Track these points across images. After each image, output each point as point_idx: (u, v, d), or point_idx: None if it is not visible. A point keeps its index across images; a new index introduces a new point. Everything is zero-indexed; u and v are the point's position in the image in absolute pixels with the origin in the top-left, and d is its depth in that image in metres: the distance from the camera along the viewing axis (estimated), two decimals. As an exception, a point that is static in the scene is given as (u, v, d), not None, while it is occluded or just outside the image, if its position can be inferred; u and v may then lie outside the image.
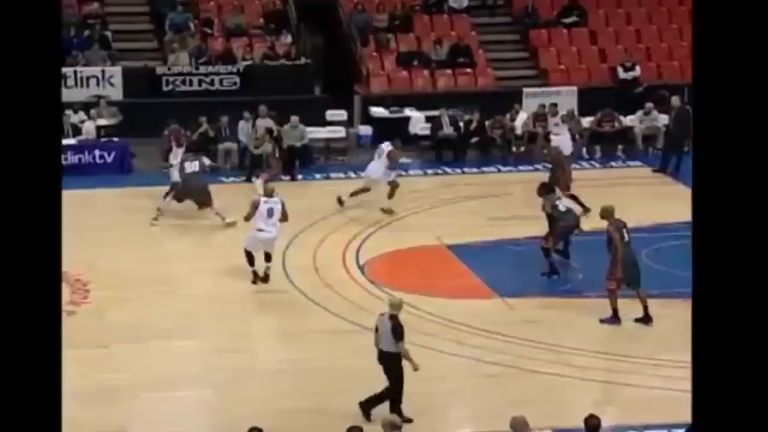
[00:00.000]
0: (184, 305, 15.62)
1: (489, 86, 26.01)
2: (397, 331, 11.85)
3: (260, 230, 16.09)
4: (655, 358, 12.75)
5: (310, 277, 16.81)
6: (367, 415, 11.98)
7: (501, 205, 20.15)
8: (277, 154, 21.23)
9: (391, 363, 11.98)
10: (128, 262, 17.25)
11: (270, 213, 16.10)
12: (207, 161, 19.71)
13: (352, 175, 22.68)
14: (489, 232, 18.50)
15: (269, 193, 16.45)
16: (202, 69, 24.80)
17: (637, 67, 25.77)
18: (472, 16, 27.56)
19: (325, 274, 16.94)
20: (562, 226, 16.61)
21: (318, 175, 22.54)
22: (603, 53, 26.92)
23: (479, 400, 13.11)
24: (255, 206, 16.30)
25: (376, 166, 19.71)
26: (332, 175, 22.57)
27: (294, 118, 22.94)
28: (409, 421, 11.73)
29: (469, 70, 26.09)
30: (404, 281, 16.48)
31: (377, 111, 24.90)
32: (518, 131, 23.81)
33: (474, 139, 23.43)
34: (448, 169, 22.39)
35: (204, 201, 19.01)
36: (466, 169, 22.56)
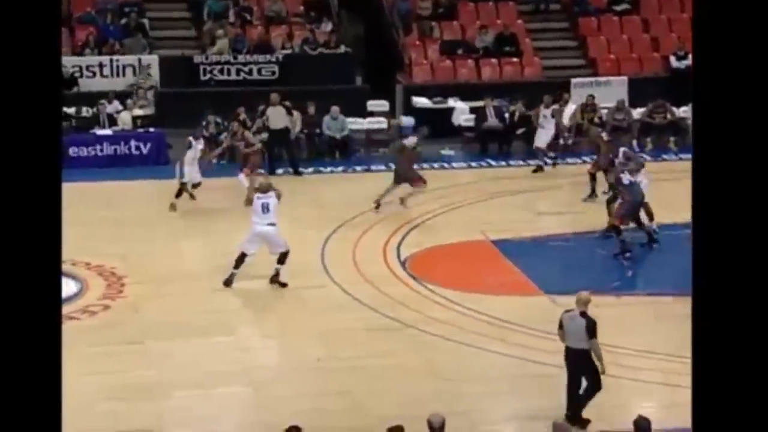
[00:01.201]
0: (220, 301, 15.60)
1: (536, 76, 25.81)
2: (591, 328, 11.79)
3: (255, 224, 15.87)
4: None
5: (350, 272, 16.75)
6: (582, 422, 11.85)
7: (548, 198, 19.97)
8: (254, 148, 20.84)
9: (583, 359, 11.89)
10: (164, 256, 17.28)
11: (264, 208, 15.77)
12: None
13: (393, 167, 22.60)
14: (535, 227, 18.35)
15: (264, 189, 16.11)
16: (240, 58, 24.81)
17: (690, 56, 25.47)
18: (518, 4, 27.37)
19: (365, 269, 16.87)
20: (627, 201, 16.51)
21: (359, 168, 22.48)
22: (655, 42, 26.65)
23: (524, 400, 12.97)
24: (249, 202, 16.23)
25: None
26: (373, 167, 22.50)
27: (334, 109, 22.90)
28: (587, 421, 11.79)
29: (515, 59, 25.92)
30: (447, 277, 16.37)
31: (420, 101, 24.80)
32: (566, 122, 23.61)
33: (520, 131, 23.24)
34: (493, 162, 22.24)
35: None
36: (511, 162, 22.39)
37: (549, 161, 21.91)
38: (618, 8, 27.17)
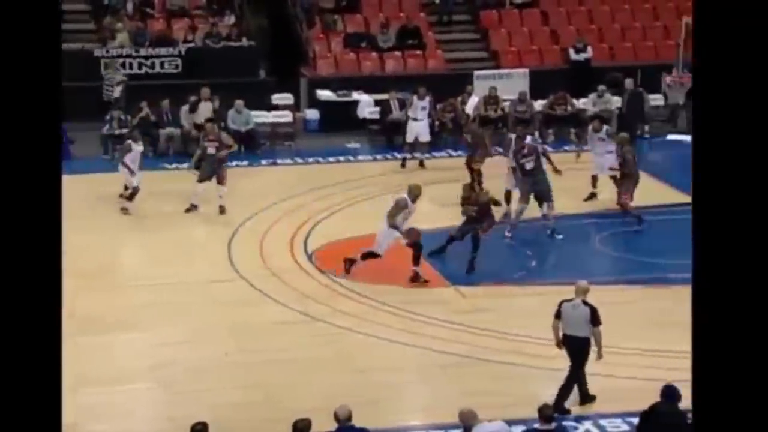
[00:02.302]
0: (130, 297, 15.53)
1: (439, 69, 26.08)
2: (595, 316, 12.02)
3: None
4: (614, 346, 12.87)
5: (257, 266, 16.80)
6: (564, 411, 12.07)
7: (454, 190, 20.21)
8: (232, 149, 20.86)
9: (582, 347, 12.13)
10: (81, 250, 17.08)
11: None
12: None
13: (299, 160, 22.69)
14: (441, 219, 18.57)
15: None
16: (142, 52, 24.61)
17: (589, 49, 25.97)
18: (421, -4, 27.63)
19: (272, 262, 16.93)
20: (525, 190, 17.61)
21: (264, 161, 22.49)
22: (555, 34, 27.11)
23: (433, 391, 13.19)
24: None
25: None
26: (279, 160, 22.53)
27: (238, 102, 22.87)
28: (593, 397, 12.23)
29: (418, 52, 26.15)
30: (354, 270, 16.50)
31: (324, 94, 24.89)
32: (470, 114, 23.91)
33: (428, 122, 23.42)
34: (398, 154, 22.42)
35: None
36: (416, 154, 22.58)
37: (417, 156, 21.88)
38: (518, 1, 27.58)
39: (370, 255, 15.92)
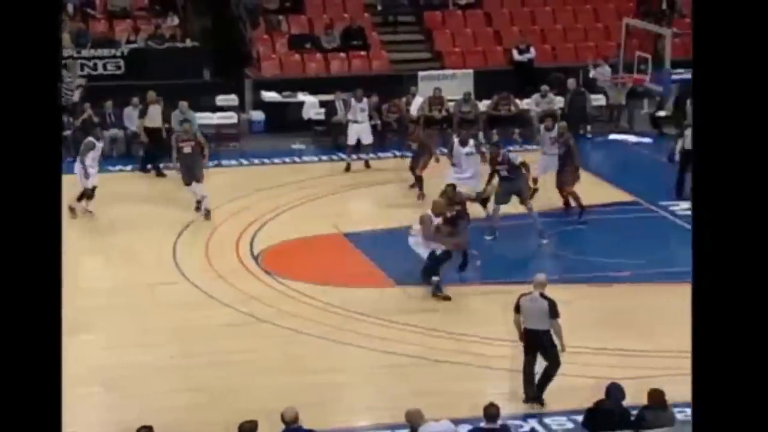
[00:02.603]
0: (75, 299, 15.37)
1: (384, 69, 26.10)
2: (554, 308, 12.11)
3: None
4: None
5: (202, 268, 16.70)
6: (540, 402, 12.25)
7: (399, 191, 20.25)
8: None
9: (544, 339, 12.19)
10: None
11: None
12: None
13: (244, 162, 22.60)
14: (387, 220, 18.59)
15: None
16: (84, 53, 24.37)
17: (532, 49, 26.12)
18: (365, -3, 27.64)
19: (217, 264, 16.84)
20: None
21: (210, 163, 22.33)
22: (498, 35, 27.23)
23: (380, 391, 13.19)
24: None
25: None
26: (224, 162, 22.42)
27: (182, 104, 22.69)
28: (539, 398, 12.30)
29: (363, 53, 26.15)
30: (300, 271, 16.49)
31: (269, 96, 24.81)
32: (414, 115, 23.96)
33: (371, 123, 23.40)
34: (344, 155, 22.40)
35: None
36: (362, 155, 22.59)
37: (362, 156, 21.82)
38: (462, 2, 27.68)
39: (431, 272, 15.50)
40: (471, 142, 18.84)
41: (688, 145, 19.29)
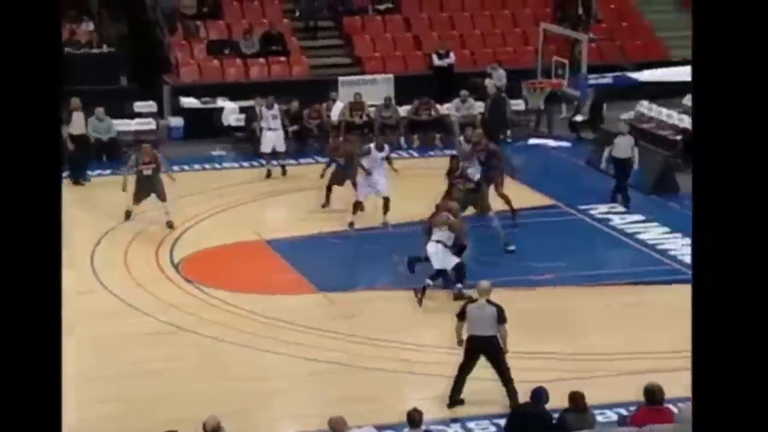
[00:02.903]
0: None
1: (304, 75, 26.04)
2: (501, 314, 12.20)
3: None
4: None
5: (121, 277, 16.49)
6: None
7: (320, 197, 20.19)
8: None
9: (491, 345, 12.23)
10: None
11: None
12: None
13: (164, 169, 22.31)
14: (308, 226, 18.54)
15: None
16: (-2, 59, 23.91)
17: (452, 54, 26.25)
18: (284, 2, 27.53)
19: (137, 273, 16.63)
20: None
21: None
22: (417, 40, 27.33)
23: (304, 399, 13.14)
24: None
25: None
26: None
27: (99, 110, 22.41)
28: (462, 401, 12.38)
29: (282, 58, 26.05)
30: (221, 279, 16.36)
31: (188, 102, 24.59)
32: (334, 121, 23.93)
33: (293, 128, 23.32)
34: (264, 161, 22.28)
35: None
36: (280, 161, 22.47)
37: (279, 163, 21.70)
38: (380, 7, 27.74)
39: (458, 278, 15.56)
40: (386, 147, 18.96)
41: (618, 153, 19.49)
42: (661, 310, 15.27)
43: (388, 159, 18.90)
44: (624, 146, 19.58)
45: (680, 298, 15.77)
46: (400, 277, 16.46)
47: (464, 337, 12.42)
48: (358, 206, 18.26)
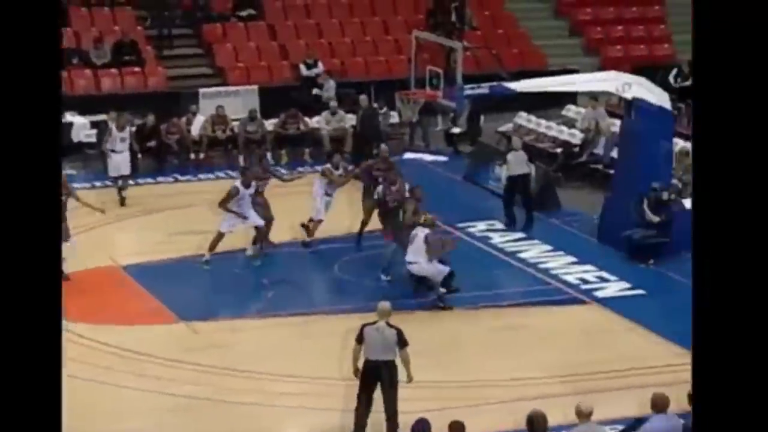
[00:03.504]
0: None
1: (160, 87, 25.75)
2: (402, 338, 12.12)
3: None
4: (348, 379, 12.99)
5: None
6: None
7: (181, 218, 19.96)
8: None
9: (387, 372, 12.10)
10: None
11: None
12: None
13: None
14: (169, 250, 18.29)
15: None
16: None
17: (320, 64, 26.30)
18: (137, 9, 27.20)
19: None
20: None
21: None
22: (283, 49, 27.31)
23: (164, 437, 12.94)
24: None
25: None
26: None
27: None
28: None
29: (137, 69, 25.73)
30: (73, 310, 15.96)
31: (34, 116, 24.03)
32: (195, 136, 23.71)
33: (149, 144, 23.00)
34: (120, 181, 21.91)
35: None
36: (140, 180, 22.17)
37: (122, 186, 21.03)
38: (243, 14, 27.62)
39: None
40: (254, 184, 18.00)
41: (512, 171, 19.64)
42: (545, 332, 15.49)
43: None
44: (516, 163, 19.74)
45: (564, 319, 16.13)
46: (268, 304, 16.35)
47: (360, 364, 12.35)
48: (219, 237, 17.77)
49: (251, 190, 17.81)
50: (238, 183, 17.86)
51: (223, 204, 17.61)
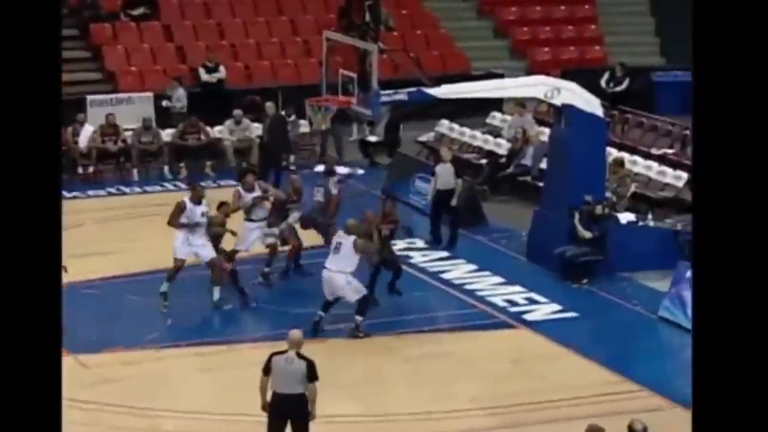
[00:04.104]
0: None
1: (44, 93, 25.48)
2: (312, 370, 12.07)
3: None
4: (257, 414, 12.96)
5: None
6: None
7: (69, 239, 19.67)
8: None
9: (298, 405, 12.06)
10: None
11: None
12: None
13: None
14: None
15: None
16: None
17: (222, 68, 26.23)
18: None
19: None
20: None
21: None
22: (181, 51, 27.21)
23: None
24: None
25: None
26: None
27: None
28: None
29: (17, 73, 25.44)
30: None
31: None
32: (83, 148, 23.49)
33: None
34: None
35: None
36: None
37: None
38: (135, 12, 27.46)
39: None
40: (204, 202, 17.68)
41: (441, 184, 19.72)
42: (471, 360, 15.57)
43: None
44: (446, 175, 19.83)
45: (491, 345, 16.22)
46: (167, 332, 16.24)
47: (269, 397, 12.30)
48: (176, 264, 17.02)
49: (203, 208, 16.96)
50: (186, 198, 17.17)
51: (173, 220, 16.95)
